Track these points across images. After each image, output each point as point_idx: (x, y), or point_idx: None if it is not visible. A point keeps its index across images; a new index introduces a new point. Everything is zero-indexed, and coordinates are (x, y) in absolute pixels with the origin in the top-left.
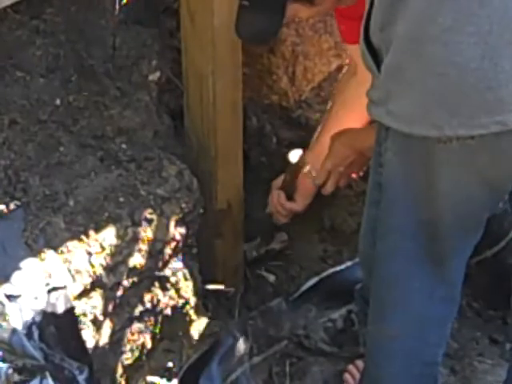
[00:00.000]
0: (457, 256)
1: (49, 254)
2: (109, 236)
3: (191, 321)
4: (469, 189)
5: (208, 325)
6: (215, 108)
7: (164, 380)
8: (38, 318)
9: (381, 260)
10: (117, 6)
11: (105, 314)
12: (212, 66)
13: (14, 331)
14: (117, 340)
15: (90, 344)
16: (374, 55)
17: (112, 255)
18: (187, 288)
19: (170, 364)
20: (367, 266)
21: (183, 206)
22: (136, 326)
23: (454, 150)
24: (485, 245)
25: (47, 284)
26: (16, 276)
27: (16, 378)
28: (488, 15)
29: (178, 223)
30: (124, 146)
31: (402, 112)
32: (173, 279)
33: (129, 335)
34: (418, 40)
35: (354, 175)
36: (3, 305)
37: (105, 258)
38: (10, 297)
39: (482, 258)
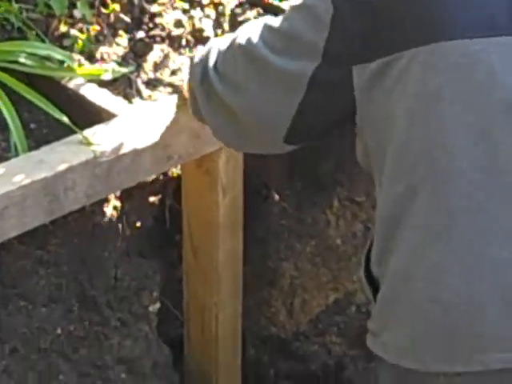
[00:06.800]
0: None
1: None
2: None
3: None
4: None
5: None
6: (217, 339)
7: None
8: None
9: None
10: (119, 238)
11: None
12: (216, 298)
13: None
14: None
15: None
16: (374, 285)
17: None
18: None
19: None
20: None
21: None
22: None
23: None
24: None
25: None
26: None
27: None
28: (475, 260)
29: None
30: (123, 375)
31: (392, 344)
32: None
33: None
34: (407, 276)
35: None
36: None
37: None
38: None
39: None
